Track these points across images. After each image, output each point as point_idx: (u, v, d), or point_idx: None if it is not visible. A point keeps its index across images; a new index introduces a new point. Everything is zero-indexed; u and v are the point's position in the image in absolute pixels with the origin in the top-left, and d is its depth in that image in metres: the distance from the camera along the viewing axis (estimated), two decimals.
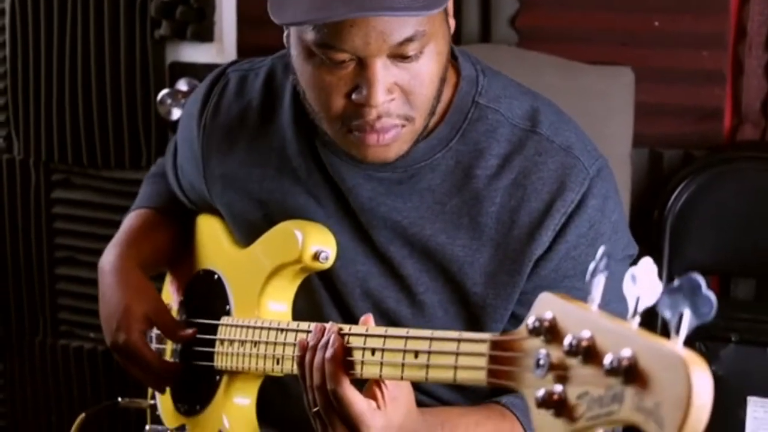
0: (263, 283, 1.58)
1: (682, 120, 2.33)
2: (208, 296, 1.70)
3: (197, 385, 1.67)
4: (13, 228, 2.86)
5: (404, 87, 1.40)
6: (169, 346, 1.78)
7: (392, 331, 1.28)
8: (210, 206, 1.74)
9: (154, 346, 1.74)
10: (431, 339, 1.21)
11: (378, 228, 1.54)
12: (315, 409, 1.33)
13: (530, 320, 1.01)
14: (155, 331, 1.74)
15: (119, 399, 1.82)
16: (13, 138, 2.82)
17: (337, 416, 1.30)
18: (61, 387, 2.87)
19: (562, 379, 0.97)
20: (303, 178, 1.58)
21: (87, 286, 2.73)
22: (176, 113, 2.45)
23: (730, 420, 2.18)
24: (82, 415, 1.80)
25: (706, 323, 0.88)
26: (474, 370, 1.12)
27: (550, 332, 0.99)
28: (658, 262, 2.21)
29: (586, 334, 0.95)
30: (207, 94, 1.70)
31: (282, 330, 1.48)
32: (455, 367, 1.15)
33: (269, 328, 1.50)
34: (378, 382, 1.31)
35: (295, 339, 1.44)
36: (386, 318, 1.51)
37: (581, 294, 1.49)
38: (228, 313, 1.64)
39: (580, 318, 0.97)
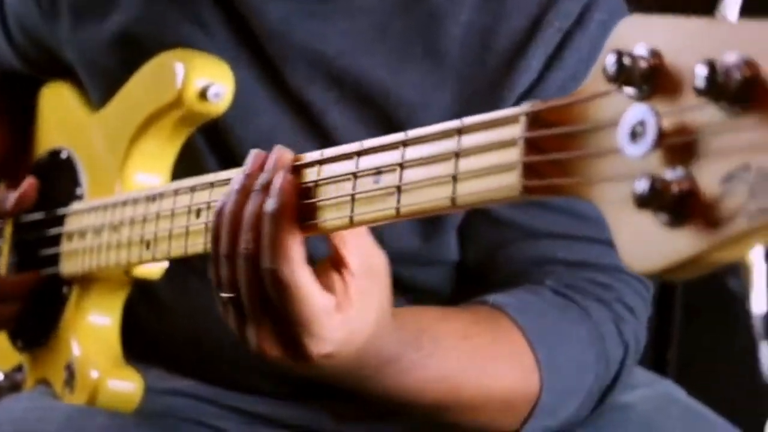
0: (127, 148, 1.38)
1: None
2: (53, 183, 1.50)
3: (40, 308, 1.46)
4: None
5: None
6: (3, 260, 1.55)
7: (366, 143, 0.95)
8: (57, 66, 1.51)
9: None
10: (402, 143, 0.88)
11: (292, 62, 1.30)
12: (229, 295, 1.00)
13: (609, 61, 0.63)
14: None
15: None
16: None
17: (270, 315, 0.98)
18: None
19: (684, 155, 0.59)
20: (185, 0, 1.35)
21: None
22: None
23: None
24: None
25: None
26: (500, 174, 0.77)
27: (652, 76, 0.60)
28: None
29: (730, 57, 0.54)
30: None
31: (152, 198, 1.24)
32: (454, 177, 0.81)
33: (135, 201, 1.27)
34: (343, 265, 0.98)
35: (173, 206, 1.18)
36: None
37: None
38: (80, 198, 1.43)
39: (711, 38, 0.56)
